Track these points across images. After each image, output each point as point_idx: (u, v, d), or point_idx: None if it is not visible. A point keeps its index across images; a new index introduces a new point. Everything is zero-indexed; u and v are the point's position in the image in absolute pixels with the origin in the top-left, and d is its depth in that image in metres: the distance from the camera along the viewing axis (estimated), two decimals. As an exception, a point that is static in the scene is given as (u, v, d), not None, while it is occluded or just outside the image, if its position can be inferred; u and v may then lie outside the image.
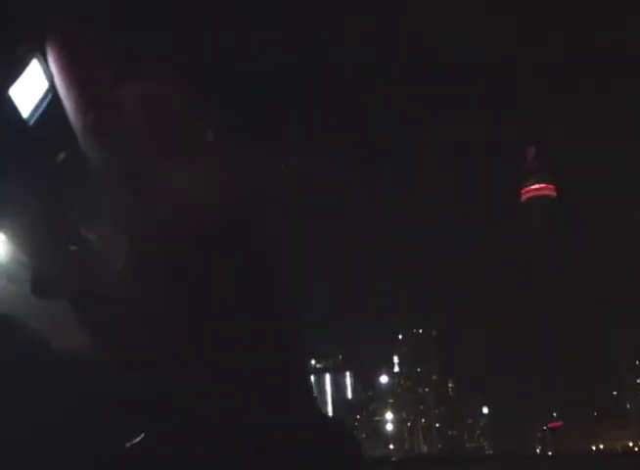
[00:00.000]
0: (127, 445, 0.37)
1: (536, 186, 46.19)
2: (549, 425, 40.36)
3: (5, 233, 0.39)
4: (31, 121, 0.41)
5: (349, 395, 44.59)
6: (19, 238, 0.39)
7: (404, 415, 43.94)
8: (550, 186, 46.00)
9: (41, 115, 0.41)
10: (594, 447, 36.17)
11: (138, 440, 0.37)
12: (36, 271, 0.38)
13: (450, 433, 44.46)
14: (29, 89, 0.41)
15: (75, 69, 0.38)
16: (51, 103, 0.41)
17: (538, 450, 38.17)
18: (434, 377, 44.62)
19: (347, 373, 44.13)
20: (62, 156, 0.40)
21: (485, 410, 44.79)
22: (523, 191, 46.90)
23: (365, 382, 45.22)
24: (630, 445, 34.67)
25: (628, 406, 39.37)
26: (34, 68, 0.41)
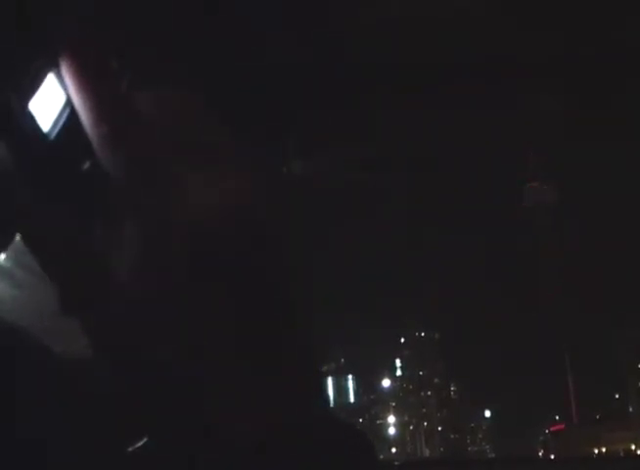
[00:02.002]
0: (129, 449, 0.39)
1: (538, 188, 46.17)
2: (551, 428, 40.29)
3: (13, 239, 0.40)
4: (52, 135, 0.43)
5: (351, 398, 44.51)
6: (29, 244, 0.40)
7: (406, 419, 43.83)
8: (552, 187, 45.97)
9: (61, 128, 0.43)
10: (596, 450, 36.09)
11: (140, 444, 0.39)
12: (62, 289, 0.39)
13: (452, 436, 44.40)
14: (48, 103, 0.43)
15: (89, 79, 0.40)
16: (70, 116, 0.43)
17: (540, 454, 38.11)
18: (436, 380, 44.49)
19: (349, 376, 44.05)
20: (85, 166, 0.41)
21: (487, 413, 44.73)
22: (524, 192, 46.86)
23: (367, 385, 45.13)
24: (632, 447, 34.57)
25: (631, 409, 39.28)
26: (51, 81, 0.43)
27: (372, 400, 44.36)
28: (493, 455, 41.82)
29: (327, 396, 0.36)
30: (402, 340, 45.06)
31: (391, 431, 43.64)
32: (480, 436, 44.63)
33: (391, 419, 43.57)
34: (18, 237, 0.41)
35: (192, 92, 0.40)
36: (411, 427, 44.28)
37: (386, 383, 44.69)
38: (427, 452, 42.64)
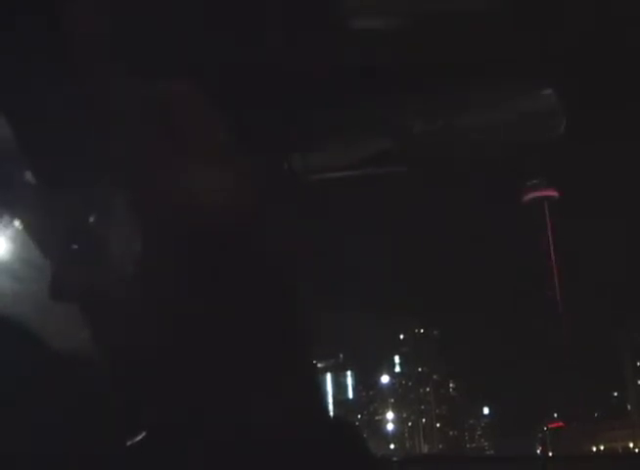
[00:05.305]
0: (128, 443, 0.38)
1: (538, 187, 46.20)
2: (550, 425, 40.38)
3: (9, 231, 0.40)
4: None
5: (350, 394, 44.66)
6: (22, 235, 0.39)
7: (405, 415, 43.99)
8: (552, 186, 46.01)
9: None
10: (595, 448, 36.14)
11: (139, 438, 0.37)
12: (54, 276, 0.38)
13: (451, 433, 44.49)
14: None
15: (88, 68, 0.38)
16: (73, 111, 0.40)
17: (539, 451, 38.18)
18: (434, 377, 44.66)
19: (348, 373, 44.20)
20: (86, 160, 0.40)
21: (486, 411, 44.84)
22: (524, 192, 46.92)
23: (366, 382, 45.30)
24: (631, 445, 34.64)
25: (629, 407, 39.37)
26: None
27: (371, 397, 44.53)
28: (492, 452, 41.95)
29: (323, 392, 0.36)
30: (401, 337, 45.22)
31: (390, 427, 43.77)
32: (479, 432, 44.74)
33: (390, 415, 43.71)
34: (18, 230, 0.40)
35: (192, 89, 0.40)
36: (410, 423, 44.40)
37: (384, 379, 44.87)
38: (425, 449, 42.77)
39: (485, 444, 43.37)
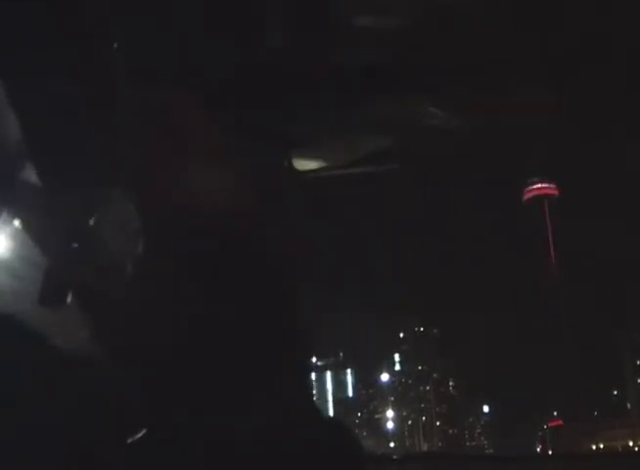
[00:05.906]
0: (128, 441, 0.37)
1: (538, 185, 46.15)
2: (549, 424, 40.34)
3: (9, 229, 0.39)
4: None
5: (350, 392, 44.65)
6: (23, 235, 0.39)
7: (405, 413, 43.96)
8: (552, 185, 45.96)
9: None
10: (594, 446, 36.05)
11: (139, 436, 0.36)
12: (46, 279, 0.37)
13: (451, 431, 44.48)
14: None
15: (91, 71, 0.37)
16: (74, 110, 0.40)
17: (539, 449, 38.15)
18: (434, 375, 44.63)
19: (348, 371, 44.18)
20: (86, 162, 0.39)
21: (486, 409, 44.82)
22: (524, 190, 46.87)
23: (366, 380, 45.27)
24: (630, 444, 34.58)
25: (629, 406, 39.36)
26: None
27: (371, 395, 44.51)
28: (491, 451, 41.95)
29: (312, 393, 0.36)
30: (401, 335, 45.19)
31: (390, 425, 43.76)
32: (479, 431, 44.73)
33: (390, 413, 43.69)
34: (19, 229, 0.39)
35: (191, 90, 0.39)
36: (410, 421, 44.38)
37: (384, 377, 44.85)
38: (425, 447, 42.74)
39: (485, 442, 43.34)
